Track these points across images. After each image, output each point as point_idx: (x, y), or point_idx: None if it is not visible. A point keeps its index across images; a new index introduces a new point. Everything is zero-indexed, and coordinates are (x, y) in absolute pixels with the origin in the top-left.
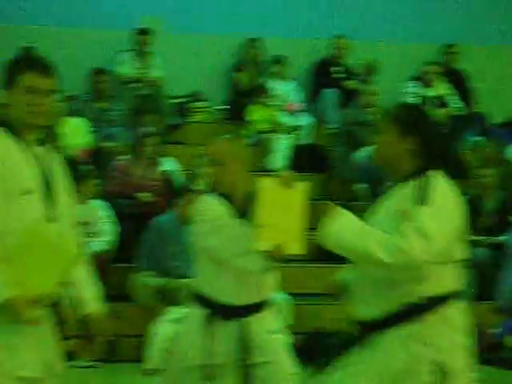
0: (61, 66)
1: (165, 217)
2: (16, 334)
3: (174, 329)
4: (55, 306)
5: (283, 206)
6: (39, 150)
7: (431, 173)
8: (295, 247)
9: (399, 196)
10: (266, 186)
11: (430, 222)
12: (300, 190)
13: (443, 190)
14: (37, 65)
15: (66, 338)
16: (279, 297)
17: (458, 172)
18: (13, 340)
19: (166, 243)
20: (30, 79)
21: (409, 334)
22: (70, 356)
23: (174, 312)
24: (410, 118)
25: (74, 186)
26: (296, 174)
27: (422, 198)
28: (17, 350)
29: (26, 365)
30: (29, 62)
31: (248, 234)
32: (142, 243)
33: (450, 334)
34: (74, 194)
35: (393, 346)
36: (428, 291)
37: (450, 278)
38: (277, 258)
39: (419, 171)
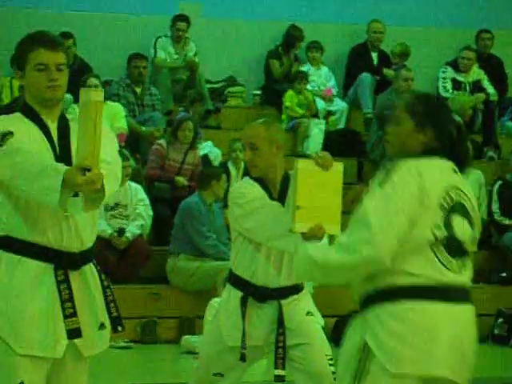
0: (99, 51)
1: (194, 198)
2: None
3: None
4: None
5: (321, 187)
6: (59, 125)
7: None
8: (333, 228)
9: None
10: (303, 168)
11: (373, 211)
12: (337, 171)
13: (404, 174)
14: (44, 41)
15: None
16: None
17: (460, 163)
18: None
19: (198, 224)
20: (39, 55)
21: (358, 322)
22: None
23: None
24: (428, 109)
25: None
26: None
27: (382, 181)
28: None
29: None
30: (35, 39)
31: (286, 215)
32: (176, 226)
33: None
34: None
35: (349, 331)
36: (381, 283)
37: (420, 269)
38: (315, 240)
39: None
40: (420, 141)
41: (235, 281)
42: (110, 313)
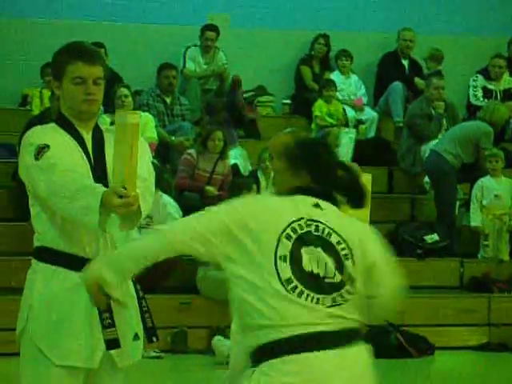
0: (128, 61)
1: None
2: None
3: None
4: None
5: None
6: (94, 135)
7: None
8: None
9: None
10: None
11: None
12: (365, 182)
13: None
14: (82, 54)
15: None
16: None
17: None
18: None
19: None
20: (77, 69)
21: None
22: None
23: None
24: (303, 154)
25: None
26: (360, 166)
27: None
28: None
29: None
30: (74, 51)
31: None
32: None
33: None
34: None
35: None
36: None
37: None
38: None
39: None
40: (295, 185)
41: None
42: (144, 323)
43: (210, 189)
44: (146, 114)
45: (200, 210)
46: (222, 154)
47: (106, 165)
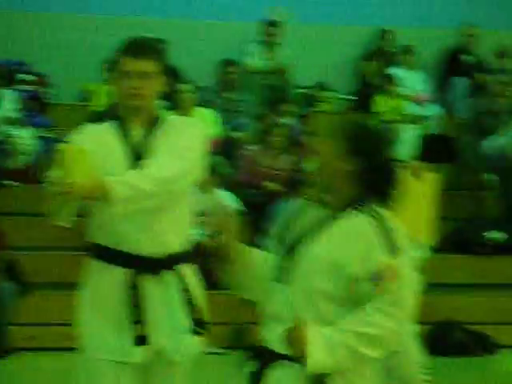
0: (190, 57)
1: (284, 204)
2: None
3: None
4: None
5: (413, 196)
6: (144, 133)
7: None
8: (427, 237)
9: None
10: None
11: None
12: (430, 181)
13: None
14: (131, 48)
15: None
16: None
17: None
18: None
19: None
20: (124, 63)
21: None
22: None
23: None
24: (358, 135)
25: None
26: (426, 164)
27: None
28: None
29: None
30: (125, 46)
31: None
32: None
33: None
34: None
35: None
36: None
37: None
38: None
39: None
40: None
41: None
42: (192, 316)
43: (271, 185)
44: (209, 110)
45: (260, 206)
46: (285, 150)
47: (141, 157)
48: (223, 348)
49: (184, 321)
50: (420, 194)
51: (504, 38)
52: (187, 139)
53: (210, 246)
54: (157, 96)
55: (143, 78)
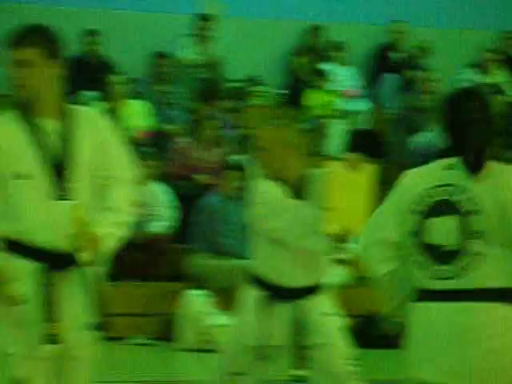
0: (123, 49)
1: (212, 196)
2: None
3: (201, 306)
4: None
5: (351, 189)
6: (55, 125)
7: None
8: (361, 229)
9: None
10: (333, 170)
11: None
12: (366, 173)
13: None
14: (13, 37)
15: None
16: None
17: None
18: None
19: (216, 223)
20: (11, 53)
21: None
22: (125, 333)
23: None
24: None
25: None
26: (362, 156)
27: None
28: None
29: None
30: (13, 35)
31: (314, 215)
32: (194, 224)
33: None
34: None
35: None
36: None
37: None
38: (343, 241)
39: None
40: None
41: (254, 280)
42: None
43: (202, 177)
44: (141, 102)
45: (192, 198)
46: (215, 143)
47: (69, 152)
48: (151, 339)
49: (86, 316)
50: (357, 186)
51: (430, 36)
52: (112, 134)
53: (140, 239)
54: (54, 85)
55: (26, 67)
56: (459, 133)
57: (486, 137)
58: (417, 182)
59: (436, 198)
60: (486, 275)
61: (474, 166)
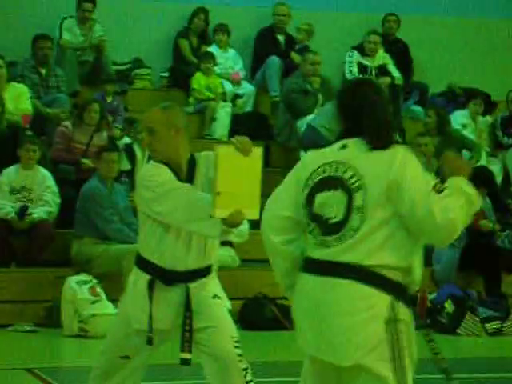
0: (2, 31)
1: (93, 181)
2: None
3: (83, 293)
4: None
5: (240, 172)
6: None
7: None
8: (253, 213)
9: None
10: (223, 153)
11: None
12: (256, 156)
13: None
14: None
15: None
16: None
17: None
18: None
19: (100, 208)
20: None
21: None
22: (10, 320)
23: (82, 275)
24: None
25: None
26: (250, 139)
27: None
28: None
29: None
30: None
31: (202, 199)
32: (78, 211)
33: None
34: None
35: None
36: None
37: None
38: (233, 225)
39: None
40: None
41: (142, 264)
42: None
43: (86, 161)
44: (21, 85)
45: (75, 183)
46: (98, 126)
47: None
48: (36, 325)
49: None
50: (246, 168)
51: (315, 18)
52: None
53: (19, 224)
54: None
55: None
56: (355, 116)
57: (380, 118)
58: (314, 160)
59: (327, 174)
60: (354, 250)
61: (372, 145)
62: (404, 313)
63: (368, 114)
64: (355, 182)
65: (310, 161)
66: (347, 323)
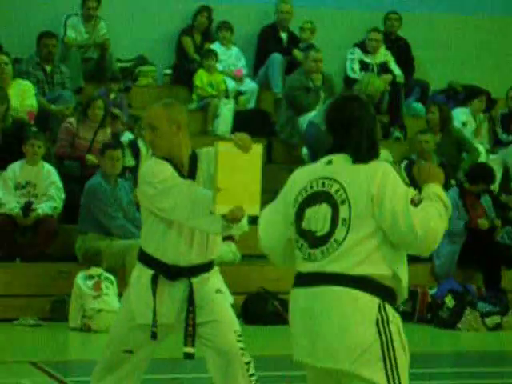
0: (8, 29)
1: (97, 178)
2: None
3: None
4: None
5: (240, 168)
6: None
7: None
8: (253, 209)
9: None
10: (223, 150)
11: None
12: (256, 152)
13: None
14: None
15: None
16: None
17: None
18: None
19: (103, 205)
20: None
21: None
22: (16, 314)
23: (92, 270)
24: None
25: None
26: (250, 136)
27: None
28: None
29: None
30: None
31: (203, 195)
32: (82, 207)
33: None
34: None
35: None
36: None
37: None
38: (234, 221)
39: None
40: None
41: (146, 259)
42: None
43: (90, 158)
44: (26, 82)
45: (80, 179)
46: (103, 123)
47: None
48: (40, 319)
49: None
50: (247, 166)
51: (318, 16)
52: None
53: (23, 220)
54: None
55: None
56: (342, 130)
57: (363, 132)
58: (302, 177)
59: (314, 190)
60: (339, 261)
61: (355, 159)
62: (393, 315)
63: (352, 127)
64: (341, 195)
65: (299, 178)
66: (339, 327)
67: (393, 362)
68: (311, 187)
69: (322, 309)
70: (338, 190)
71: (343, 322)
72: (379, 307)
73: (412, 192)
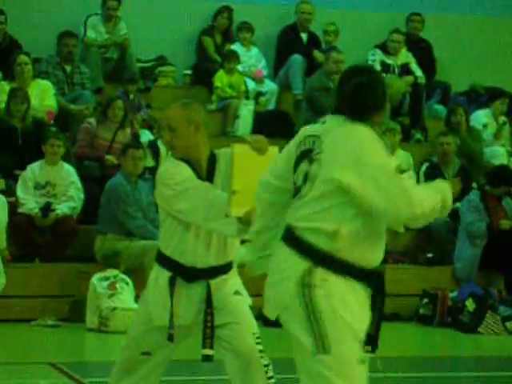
0: (29, 28)
1: (118, 178)
2: None
3: (105, 289)
4: None
5: (256, 171)
6: None
7: None
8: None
9: None
10: (240, 152)
11: None
12: (272, 155)
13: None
14: None
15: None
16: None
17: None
18: None
19: (124, 205)
20: None
21: None
22: (35, 315)
23: (108, 272)
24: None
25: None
26: (266, 138)
27: None
28: None
29: None
30: None
31: (220, 197)
32: (102, 206)
33: None
34: None
35: None
36: None
37: None
38: (249, 223)
39: None
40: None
41: (164, 261)
42: None
43: (110, 158)
44: (46, 81)
45: (99, 179)
46: (122, 123)
47: None
48: (60, 320)
49: None
50: (263, 168)
51: (338, 17)
52: None
53: (42, 221)
54: None
55: None
56: (346, 96)
57: (359, 93)
58: (301, 134)
59: (305, 147)
60: (297, 212)
61: (340, 111)
62: (323, 279)
63: (350, 88)
64: (317, 154)
65: (301, 134)
66: (271, 281)
67: (320, 326)
68: (304, 144)
69: (271, 262)
70: (317, 148)
71: (274, 277)
72: (306, 271)
73: (394, 161)
